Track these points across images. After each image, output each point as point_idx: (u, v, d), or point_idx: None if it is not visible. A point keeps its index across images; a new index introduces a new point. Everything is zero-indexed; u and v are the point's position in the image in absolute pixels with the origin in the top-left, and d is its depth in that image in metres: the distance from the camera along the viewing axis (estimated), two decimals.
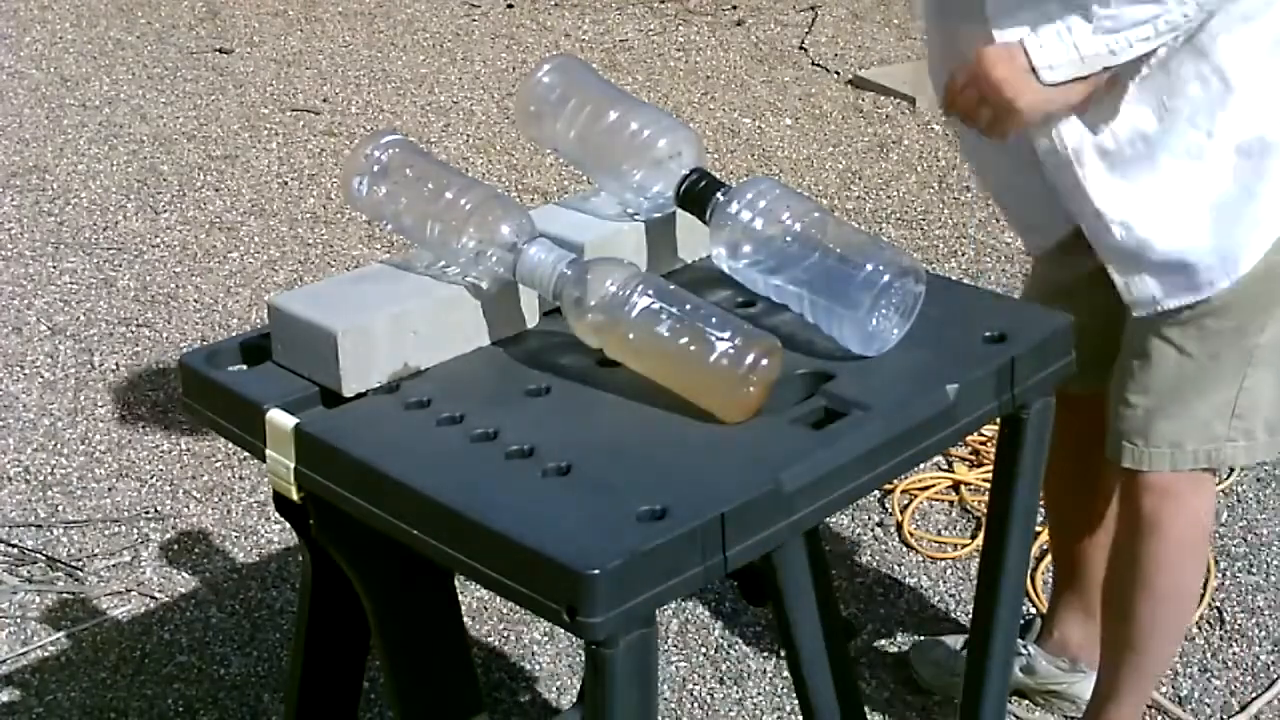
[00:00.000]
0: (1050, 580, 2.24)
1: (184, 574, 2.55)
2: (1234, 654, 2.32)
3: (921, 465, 2.68)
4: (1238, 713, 2.20)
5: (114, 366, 3.23)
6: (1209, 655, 2.31)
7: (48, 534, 2.66)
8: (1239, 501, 2.68)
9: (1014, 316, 1.44)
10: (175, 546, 2.62)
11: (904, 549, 2.59)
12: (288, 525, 1.43)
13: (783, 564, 1.37)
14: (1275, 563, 2.52)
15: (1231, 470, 2.71)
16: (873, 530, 2.64)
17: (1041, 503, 1.88)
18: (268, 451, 1.30)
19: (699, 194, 1.42)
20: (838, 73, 4.95)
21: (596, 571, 1.05)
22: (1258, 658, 2.31)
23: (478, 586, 2.38)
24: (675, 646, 2.35)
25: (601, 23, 5.54)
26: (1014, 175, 1.77)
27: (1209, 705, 2.21)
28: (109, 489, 2.79)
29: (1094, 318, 1.64)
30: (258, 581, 2.52)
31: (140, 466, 2.86)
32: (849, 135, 4.42)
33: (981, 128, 1.64)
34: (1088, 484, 2.07)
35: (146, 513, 2.72)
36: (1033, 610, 2.35)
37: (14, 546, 2.61)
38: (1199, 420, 1.76)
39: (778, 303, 1.41)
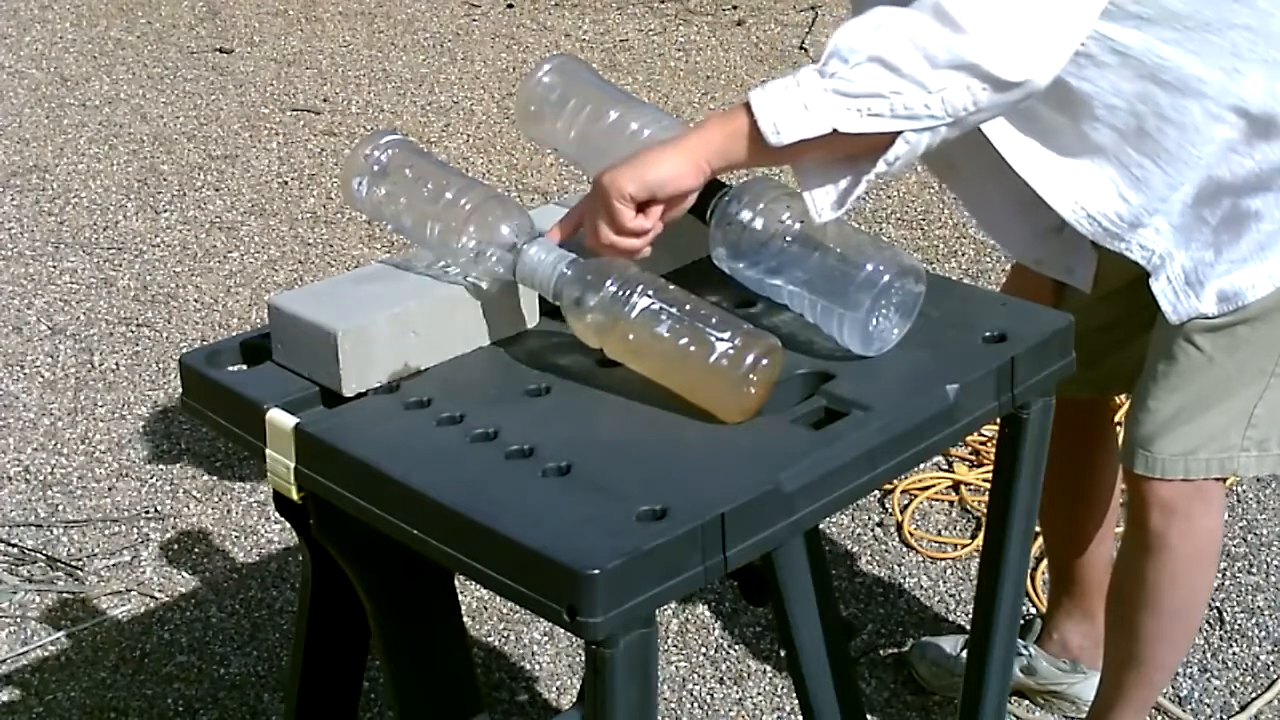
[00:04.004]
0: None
1: (184, 574, 2.55)
2: (1234, 654, 2.31)
3: (921, 465, 2.68)
4: (1238, 713, 2.20)
5: (114, 366, 3.23)
6: (1209, 655, 2.31)
7: (48, 534, 2.66)
8: (1239, 501, 2.68)
9: (1014, 316, 1.44)
10: (175, 546, 2.62)
11: (904, 549, 2.59)
12: (288, 525, 1.43)
13: (783, 564, 1.37)
14: (1275, 563, 2.52)
15: None
16: (873, 530, 2.64)
17: None
18: (268, 451, 1.30)
19: (699, 194, 1.42)
20: None
21: (596, 571, 1.05)
22: (1258, 658, 2.31)
23: (478, 586, 2.38)
24: (675, 646, 2.35)
25: (601, 23, 5.54)
26: (990, 190, 1.72)
27: (1209, 705, 2.21)
28: (109, 489, 2.79)
29: (1082, 318, 1.63)
30: (258, 581, 2.52)
31: (140, 466, 2.86)
32: None
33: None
34: (1078, 489, 2.06)
35: (146, 513, 2.72)
36: (1033, 610, 2.35)
37: (14, 546, 2.61)
38: (1216, 428, 1.73)
39: (778, 303, 1.41)
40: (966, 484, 2.74)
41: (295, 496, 1.30)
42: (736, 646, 2.35)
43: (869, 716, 2.10)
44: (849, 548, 2.59)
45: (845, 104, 1.30)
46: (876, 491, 2.69)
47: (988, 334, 1.40)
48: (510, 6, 5.73)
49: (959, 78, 1.29)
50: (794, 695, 1.66)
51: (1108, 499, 2.08)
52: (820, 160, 1.34)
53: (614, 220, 1.33)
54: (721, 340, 1.24)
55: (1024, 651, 2.16)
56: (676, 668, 2.31)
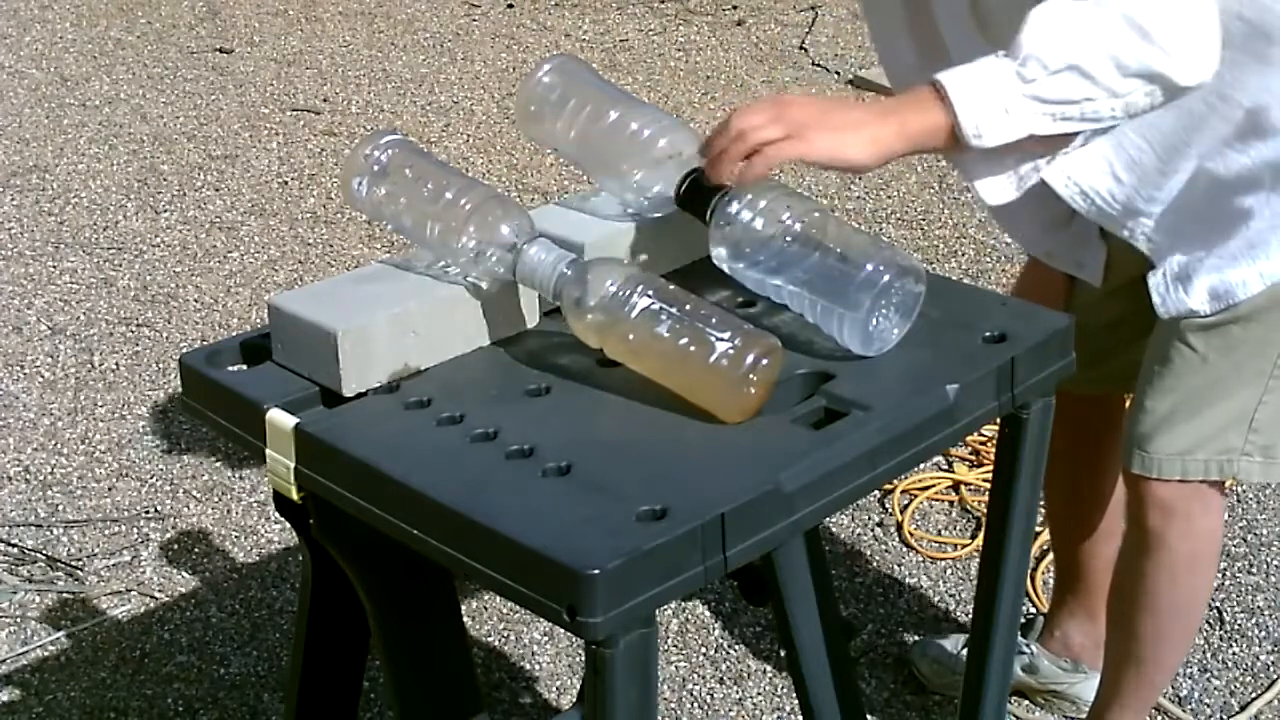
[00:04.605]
0: (1050, 580, 2.24)
1: (184, 574, 2.55)
2: (1234, 654, 2.32)
3: (921, 465, 2.68)
4: (1238, 713, 2.20)
5: (114, 366, 3.23)
6: (1209, 655, 2.31)
7: (48, 534, 2.66)
8: (1239, 501, 2.68)
9: (1014, 316, 1.44)
10: (175, 546, 2.62)
11: (904, 549, 2.59)
12: (288, 525, 1.43)
13: (783, 564, 1.37)
14: (1275, 563, 2.52)
15: None
16: (873, 530, 2.64)
17: (1042, 504, 1.87)
18: (268, 451, 1.30)
19: (699, 194, 1.42)
20: (838, 73, 4.95)
21: (596, 571, 1.05)
22: (1257, 658, 2.31)
23: (478, 586, 2.38)
24: (675, 646, 2.35)
25: (601, 23, 5.53)
26: None
27: (1209, 705, 2.21)
28: (109, 489, 2.79)
29: (1091, 315, 1.63)
30: (258, 581, 2.52)
31: (140, 466, 2.86)
32: None
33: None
34: (1084, 486, 2.06)
35: (146, 513, 2.72)
36: (1033, 610, 2.35)
37: (14, 546, 2.61)
38: (1213, 429, 1.73)
39: (778, 303, 1.41)
40: (966, 484, 2.74)
41: (295, 496, 1.30)
42: (736, 646, 2.35)
43: (869, 716, 2.10)
44: (849, 548, 2.59)
45: (1041, 109, 1.36)
46: (876, 491, 2.70)
47: (988, 334, 1.40)
48: (510, 6, 5.73)
49: (1143, 85, 1.36)
50: (794, 695, 1.66)
51: (1110, 494, 2.08)
52: (995, 151, 1.40)
53: (770, 160, 1.37)
54: (721, 340, 1.24)
55: (1025, 650, 2.16)
56: (676, 668, 2.31)
